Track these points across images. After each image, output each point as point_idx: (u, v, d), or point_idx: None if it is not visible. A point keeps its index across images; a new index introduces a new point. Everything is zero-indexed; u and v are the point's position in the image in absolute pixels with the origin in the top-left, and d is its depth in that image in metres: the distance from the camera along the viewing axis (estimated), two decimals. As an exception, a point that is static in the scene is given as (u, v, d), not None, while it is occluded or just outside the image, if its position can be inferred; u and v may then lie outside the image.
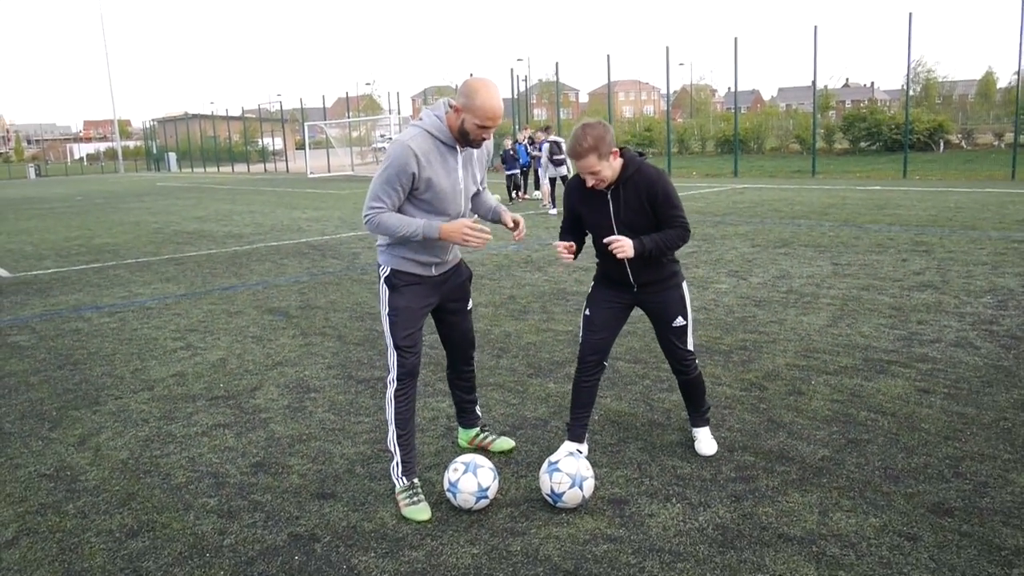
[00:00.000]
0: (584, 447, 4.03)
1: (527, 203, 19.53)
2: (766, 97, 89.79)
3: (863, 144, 33.10)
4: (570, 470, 3.50)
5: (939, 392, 4.77)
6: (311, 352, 6.28)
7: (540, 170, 18.12)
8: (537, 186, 19.93)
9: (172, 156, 65.46)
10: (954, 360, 5.34)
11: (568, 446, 3.97)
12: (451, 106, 3.42)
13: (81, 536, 3.49)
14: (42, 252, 13.55)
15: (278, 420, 4.80)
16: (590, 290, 4.00)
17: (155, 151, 70.34)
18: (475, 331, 4.20)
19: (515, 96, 35.30)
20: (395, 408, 3.63)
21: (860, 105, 44.24)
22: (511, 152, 20.04)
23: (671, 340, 3.93)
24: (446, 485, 3.56)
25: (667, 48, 27.20)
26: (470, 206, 3.73)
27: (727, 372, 5.32)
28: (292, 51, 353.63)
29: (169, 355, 6.37)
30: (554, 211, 16.52)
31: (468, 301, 3.92)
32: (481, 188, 3.85)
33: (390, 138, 36.17)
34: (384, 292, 3.63)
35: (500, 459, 4.07)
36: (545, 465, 3.60)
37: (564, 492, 3.48)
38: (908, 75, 24.34)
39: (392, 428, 3.65)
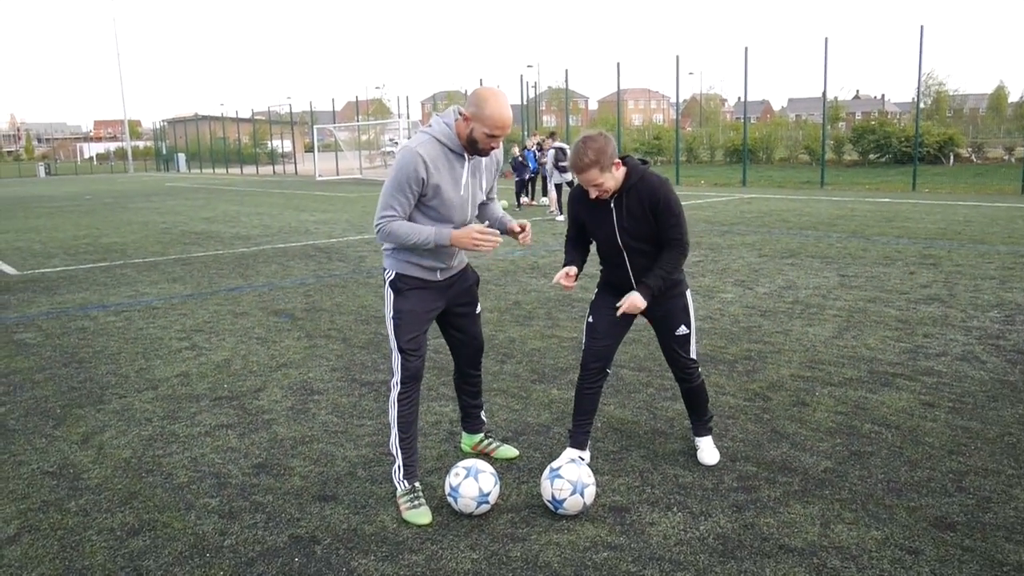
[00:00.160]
0: (586, 454, 4.02)
1: (534, 209, 19.54)
2: (776, 107, 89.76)
3: (872, 156, 33.07)
4: (571, 477, 3.49)
5: (944, 406, 4.75)
6: (315, 354, 6.29)
7: (547, 176, 18.16)
8: (545, 192, 19.96)
9: (181, 157, 65.73)
10: (960, 374, 5.32)
11: (570, 453, 3.96)
12: (461, 114, 3.43)
13: (82, 534, 3.49)
14: (50, 250, 13.61)
15: (281, 422, 4.81)
16: (594, 297, 4.00)
17: (164, 152, 70.64)
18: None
19: (524, 103, 35.36)
20: (398, 411, 3.63)
21: (870, 117, 44.21)
22: (519, 159, 20.06)
23: (674, 348, 3.93)
24: (447, 489, 3.55)
25: (677, 57, 27.35)
26: (476, 213, 3.74)
27: (731, 382, 5.31)
28: (303, 54, 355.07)
29: (174, 355, 6.39)
30: (561, 217, 16.52)
31: (476, 305, 3.92)
32: (490, 198, 3.86)
33: (397, 142, 36.25)
34: (389, 296, 3.64)
35: (501, 465, 4.07)
36: (547, 471, 3.59)
37: (565, 499, 3.47)
38: (919, 88, 24.26)
39: (395, 431, 3.65)
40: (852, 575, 3.02)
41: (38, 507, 3.76)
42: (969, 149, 34.14)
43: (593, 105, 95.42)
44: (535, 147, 20.32)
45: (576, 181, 3.73)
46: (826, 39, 23.80)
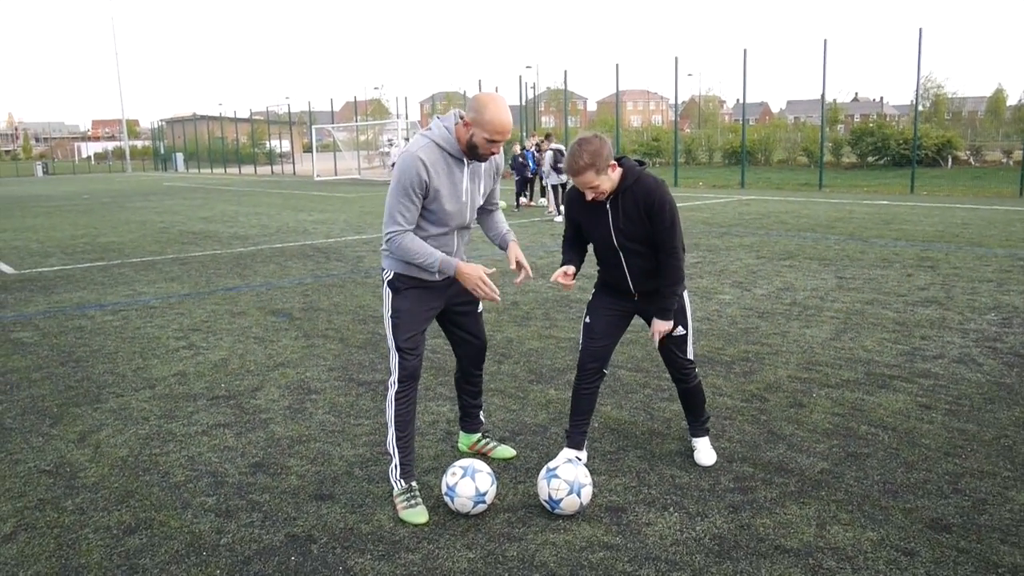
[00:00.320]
0: (583, 454, 4.03)
1: (533, 210, 19.55)
2: (775, 109, 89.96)
3: (871, 158, 33.11)
4: (568, 477, 3.50)
5: (940, 408, 4.76)
6: (313, 354, 6.29)
7: (544, 177, 18.18)
8: (543, 194, 19.98)
9: (179, 156, 65.67)
10: (956, 376, 5.33)
11: (567, 453, 3.96)
12: (461, 118, 3.44)
13: (79, 532, 3.49)
14: (48, 249, 13.60)
15: (278, 421, 4.81)
16: (591, 298, 4.00)
17: (162, 151, 70.55)
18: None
19: (523, 103, 35.36)
20: (395, 410, 3.63)
21: (869, 119, 44.28)
22: (520, 159, 20.08)
23: (671, 349, 3.93)
24: (444, 489, 3.56)
25: (676, 58, 27.33)
26: (475, 217, 3.74)
27: (728, 383, 5.31)
28: (301, 54, 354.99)
29: (171, 354, 6.38)
30: (559, 218, 16.53)
31: (478, 304, 3.92)
32: (493, 206, 3.86)
33: (392, 141, 36.22)
34: (388, 295, 3.64)
35: (498, 464, 4.07)
36: (543, 471, 3.60)
37: (562, 499, 3.48)
38: (917, 90, 24.29)
39: (392, 430, 3.66)
40: (848, 576, 3.02)
41: (34, 505, 3.76)
42: (967, 152, 34.19)
43: (592, 106, 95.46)
44: (533, 148, 20.34)
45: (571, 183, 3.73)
46: (825, 41, 23.85)
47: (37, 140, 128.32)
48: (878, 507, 3.55)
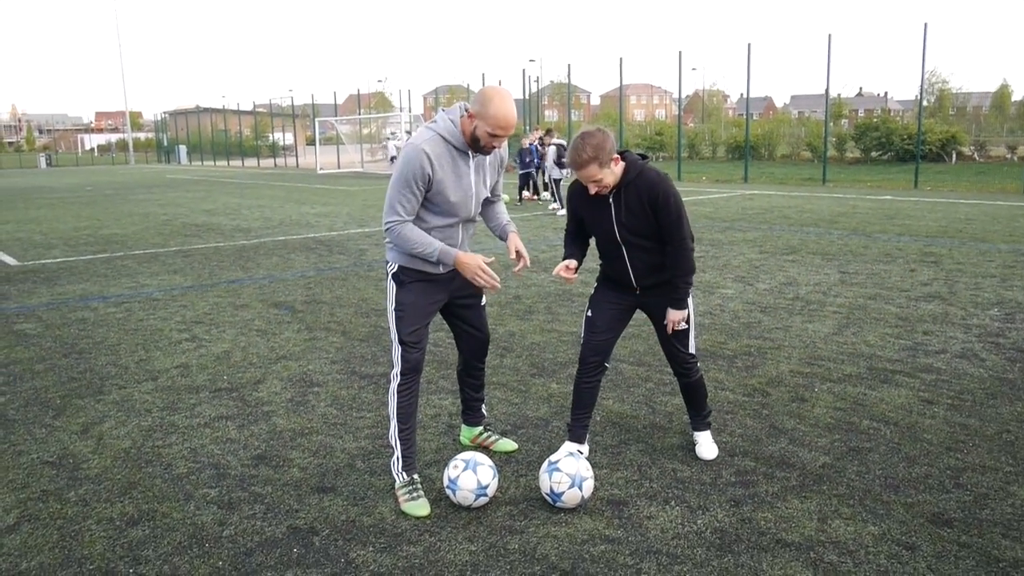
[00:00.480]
0: (585, 448, 4.03)
1: (536, 204, 19.53)
2: (779, 104, 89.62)
3: (875, 153, 33.04)
4: (570, 470, 3.50)
5: (943, 403, 4.75)
6: (315, 347, 6.29)
7: (547, 171, 18.17)
8: (546, 188, 19.96)
9: (183, 149, 65.68)
10: (959, 372, 5.33)
11: (569, 446, 3.97)
12: (466, 111, 3.43)
13: (82, 523, 3.50)
14: (51, 241, 13.61)
15: (280, 413, 4.82)
16: (592, 292, 4.00)
17: (166, 143, 70.60)
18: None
19: (527, 97, 35.31)
20: (397, 403, 3.64)
21: (873, 114, 44.16)
22: (526, 154, 20.04)
23: (672, 343, 3.93)
24: (446, 482, 3.56)
25: (680, 53, 27.18)
26: (480, 210, 3.74)
27: (730, 377, 5.31)
28: (305, 47, 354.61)
29: (174, 346, 6.39)
30: (562, 212, 16.52)
31: (481, 297, 3.93)
32: (495, 198, 3.86)
33: (394, 132, 36.19)
34: (391, 288, 3.64)
35: (500, 458, 4.07)
36: (545, 465, 3.60)
37: (563, 492, 3.48)
38: (922, 85, 24.24)
39: (394, 423, 3.66)
40: (849, 570, 3.03)
41: (38, 496, 3.77)
42: (972, 147, 34.12)
43: (595, 100, 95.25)
44: (536, 141, 20.32)
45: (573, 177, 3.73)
46: (829, 36, 23.79)
47: (41, 132, 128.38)
48: (880, 501, 3.55)
